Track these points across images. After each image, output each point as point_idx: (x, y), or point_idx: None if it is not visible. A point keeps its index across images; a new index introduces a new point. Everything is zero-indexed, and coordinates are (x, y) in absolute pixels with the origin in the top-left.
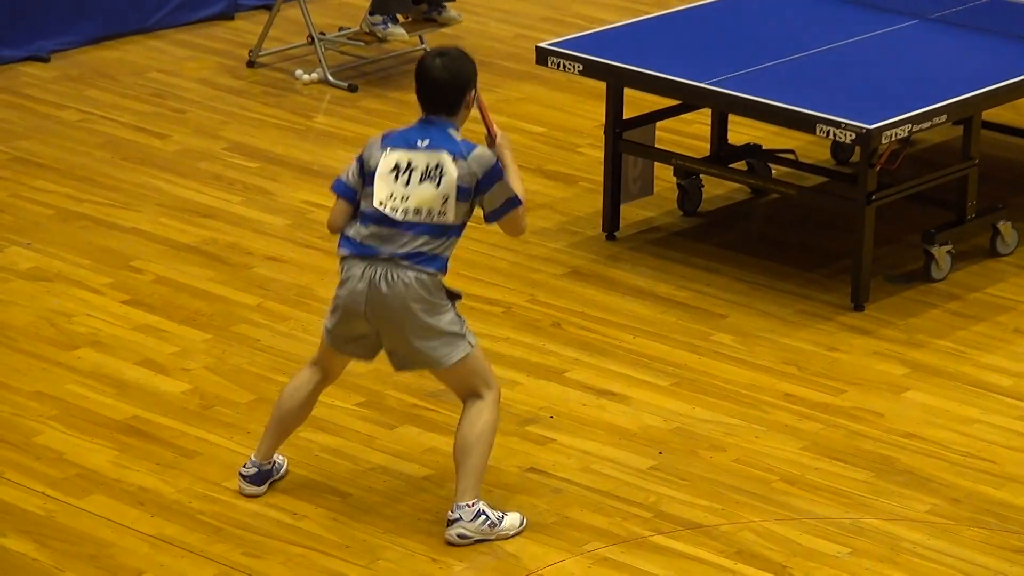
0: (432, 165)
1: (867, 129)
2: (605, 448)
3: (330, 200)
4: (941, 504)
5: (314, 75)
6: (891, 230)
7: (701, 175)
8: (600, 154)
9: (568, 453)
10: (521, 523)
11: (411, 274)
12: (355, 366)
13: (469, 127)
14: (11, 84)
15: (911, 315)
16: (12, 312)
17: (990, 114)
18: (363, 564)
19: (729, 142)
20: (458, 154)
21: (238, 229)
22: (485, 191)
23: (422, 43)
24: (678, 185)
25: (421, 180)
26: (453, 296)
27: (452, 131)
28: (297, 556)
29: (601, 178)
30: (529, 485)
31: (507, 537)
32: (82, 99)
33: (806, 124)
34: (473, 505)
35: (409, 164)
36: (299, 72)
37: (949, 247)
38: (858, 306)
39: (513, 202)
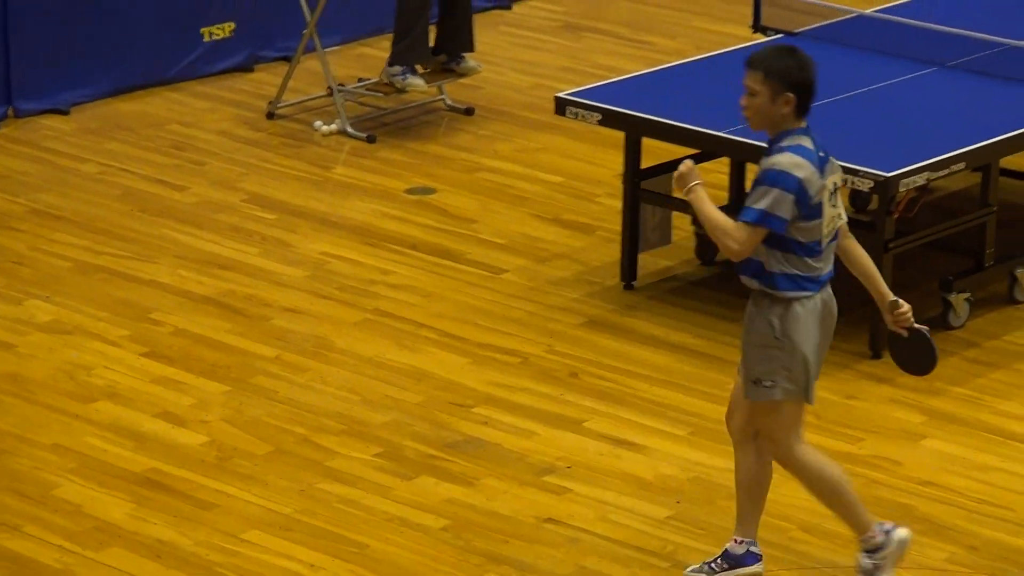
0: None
1: (885, 177)
2: (622, 498)
3: (347, 248)
4: (959, 552)
5: (333, 126)
6: (909, 277)
7: None
8: (618, 204)
9: (585, 503)
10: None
11: None
12: (372, 416)
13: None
14: (31, 137)
15: None
16: (31, 365)
17: (1008, 161)
18: None
19: (747, 190)
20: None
21: (256, 281)
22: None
23: (441, 93)
24: (696, 234)
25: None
26: None
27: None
28: None
29: (619, 228)
30: (546, 535)
31: None
32: (101, 151)
33: None
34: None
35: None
36: (318, 123)
37: (967, 294)
38: (876, 354)
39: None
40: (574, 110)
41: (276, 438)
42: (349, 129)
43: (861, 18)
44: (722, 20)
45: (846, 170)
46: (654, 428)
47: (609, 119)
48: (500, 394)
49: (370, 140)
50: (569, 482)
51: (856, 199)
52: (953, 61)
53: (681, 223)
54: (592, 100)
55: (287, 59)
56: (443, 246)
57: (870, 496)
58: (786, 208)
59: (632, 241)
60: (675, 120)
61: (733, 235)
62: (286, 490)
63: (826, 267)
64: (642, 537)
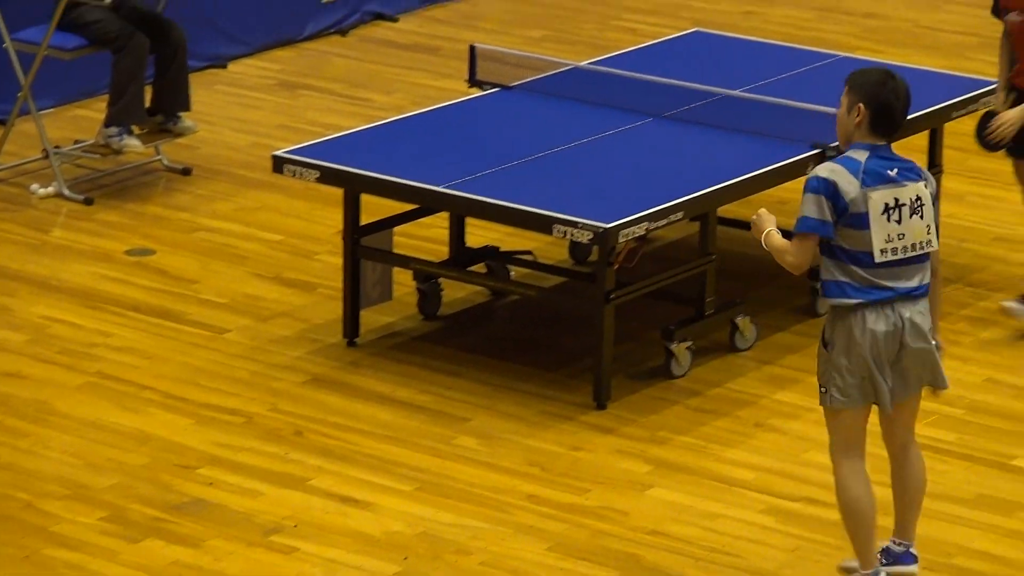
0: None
1: (604, 228)
2: (350, 555)
3: (68, 311)
4: None
5: (50, 189)
6: (631, 328)
7: (440, 279)
8: (339, 261)
9: (313, 561)
10: None
11: None
12: (97, 480)
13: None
14: None
15: (653, 412)
16: None
17: (726, 210)
18: None
19: (467, 245)
20: None
21: None
22: None
23: (158, 154)
24: (418, 289)
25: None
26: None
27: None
28: None
29: (340, 284)
30: None
31: None
32: None
33: (543, 225)
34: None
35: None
36: (35, 186)
37: (689, 343)
38: (600, 405)
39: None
40: (292, 168)
41: None
42: (66, 192)
43: (576, 70)
44: (439, 75)
45: (565, 222)
46: (380, 484)
47: (327, 176)
48: (225, 454)
49: (87, 202)
50: (296, 541)
51: (576, 250)
52: (670, 112)
53: (402, 278)
54: (310, 157)
55: (2, 122)
56: (164, 307)
57: (598, 547)
58: (816, 208)
59: (353, 298)
60: (393, 176)
61: (788, 250)
62: (11, 557)
63: (890, 282)
64: None
